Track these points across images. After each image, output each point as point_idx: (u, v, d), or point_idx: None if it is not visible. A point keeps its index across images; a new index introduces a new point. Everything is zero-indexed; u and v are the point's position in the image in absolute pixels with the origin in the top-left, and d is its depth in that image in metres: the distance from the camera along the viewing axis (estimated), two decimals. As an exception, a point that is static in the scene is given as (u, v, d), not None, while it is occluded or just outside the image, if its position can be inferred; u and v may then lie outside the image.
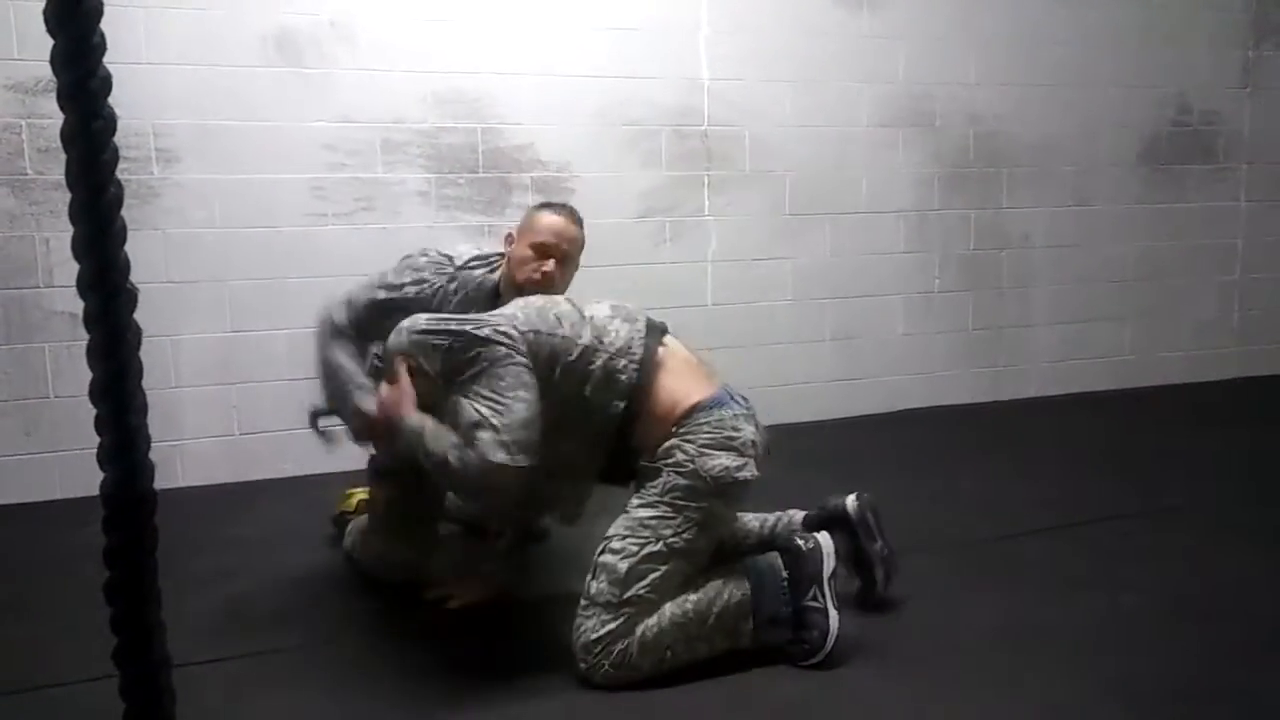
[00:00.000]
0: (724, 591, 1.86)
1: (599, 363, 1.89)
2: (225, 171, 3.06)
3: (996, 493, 2.91)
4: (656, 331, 2.01)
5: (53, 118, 2.90)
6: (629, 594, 1.80)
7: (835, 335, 3.88)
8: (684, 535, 1.83)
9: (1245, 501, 2.81)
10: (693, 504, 1.84)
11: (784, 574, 1.89)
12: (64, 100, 0.70)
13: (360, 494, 2.58)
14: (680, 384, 1.93)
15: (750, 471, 1.89)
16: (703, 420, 1.88)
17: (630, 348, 1.92)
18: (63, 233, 2.87)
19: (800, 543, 1.91)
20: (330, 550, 2.52)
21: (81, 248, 0.72)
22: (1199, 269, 4.40)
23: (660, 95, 3.53)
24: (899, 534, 2.54)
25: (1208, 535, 2.55)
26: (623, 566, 1.81)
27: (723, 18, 3.57)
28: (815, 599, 1.86)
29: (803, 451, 3.33)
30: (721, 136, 3.63)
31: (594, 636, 1.79)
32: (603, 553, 1.85)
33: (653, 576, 1.81)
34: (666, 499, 1.84)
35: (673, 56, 3.54)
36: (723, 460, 1.85)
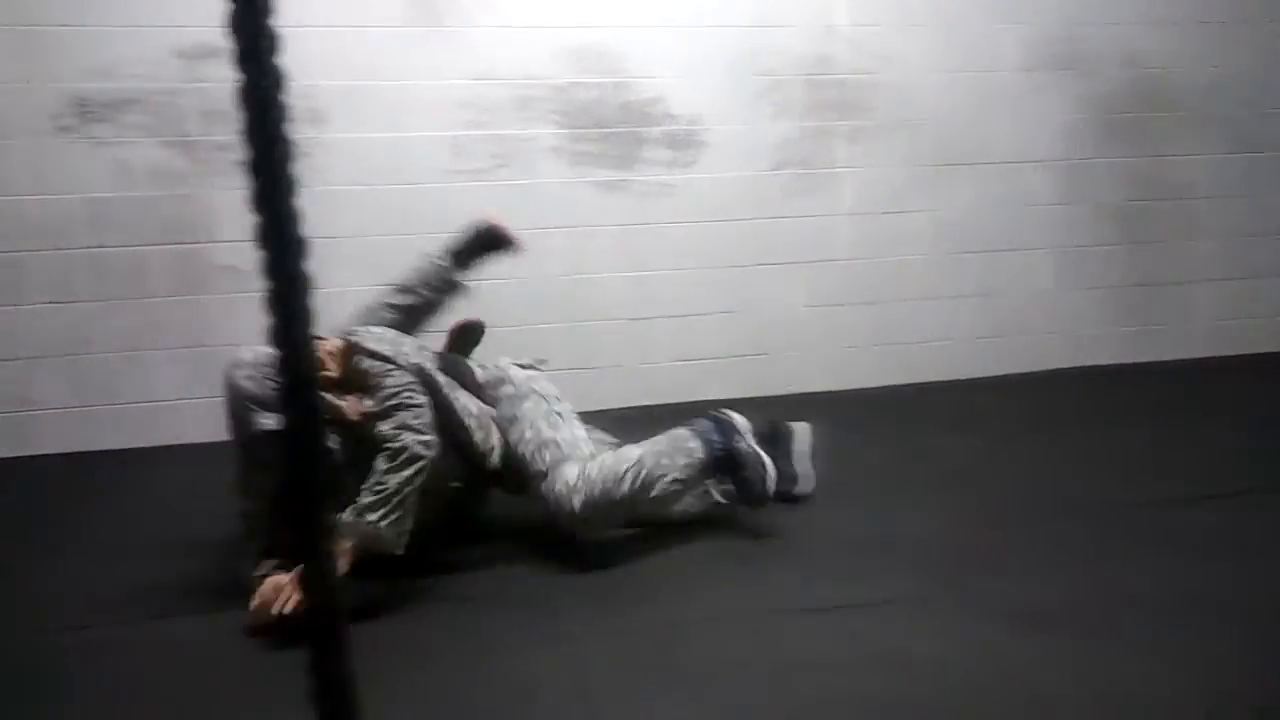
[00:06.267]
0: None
1: None
2: (369, 130, 3.17)
3: (1150, 458, 2.76)
4: None
5: (215, 81, 3.07)
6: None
7: (976, 291, 3.74)
8: None
9: None
10: None
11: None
12: (238, 60, 0.74)
13: None
14: None
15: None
16: None
17: None
18: (226, 191, 3.04)
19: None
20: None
21: (257, 200, 0.76)
22: (1387, 220, 4.02)
23: (793, 44, 3.44)
24: (1044, 496, 2.44)
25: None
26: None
27: (861, -40, 3.45)
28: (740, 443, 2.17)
29: (939, 411, 3.25)
30: (857, 85, 3.52)
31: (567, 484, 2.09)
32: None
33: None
34: None
35: (807, 3, 3.44)
36: None
